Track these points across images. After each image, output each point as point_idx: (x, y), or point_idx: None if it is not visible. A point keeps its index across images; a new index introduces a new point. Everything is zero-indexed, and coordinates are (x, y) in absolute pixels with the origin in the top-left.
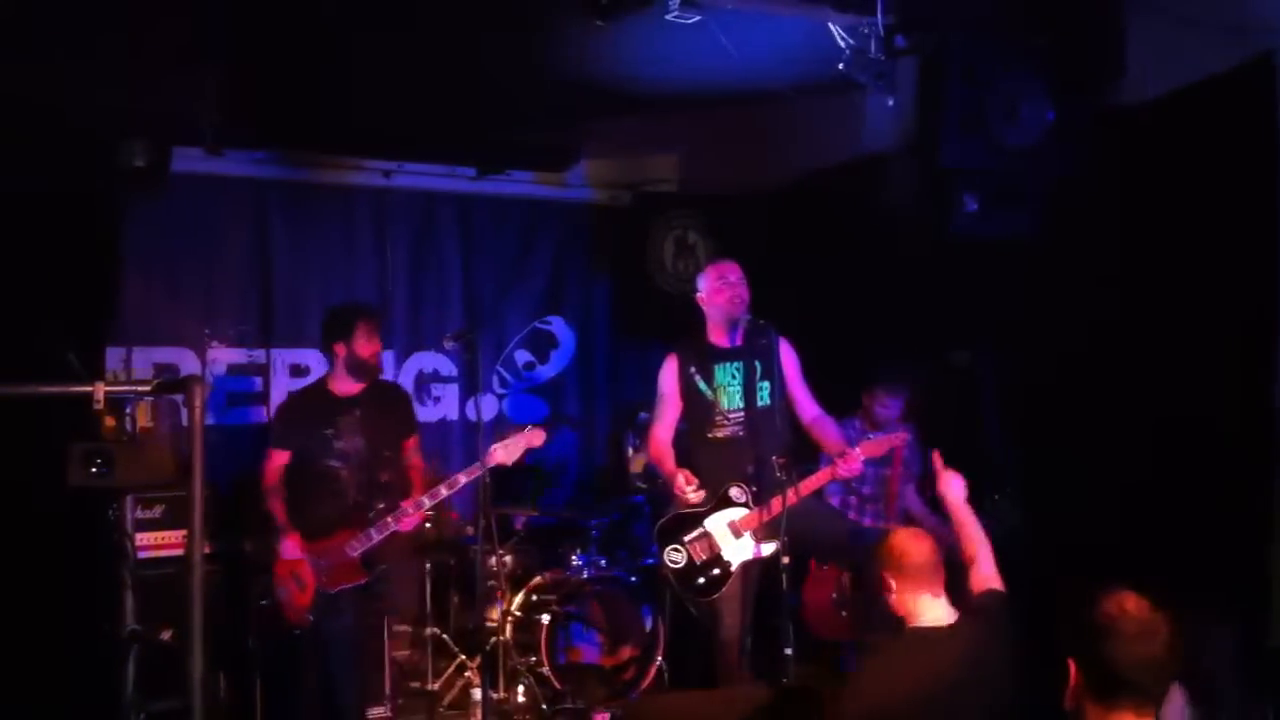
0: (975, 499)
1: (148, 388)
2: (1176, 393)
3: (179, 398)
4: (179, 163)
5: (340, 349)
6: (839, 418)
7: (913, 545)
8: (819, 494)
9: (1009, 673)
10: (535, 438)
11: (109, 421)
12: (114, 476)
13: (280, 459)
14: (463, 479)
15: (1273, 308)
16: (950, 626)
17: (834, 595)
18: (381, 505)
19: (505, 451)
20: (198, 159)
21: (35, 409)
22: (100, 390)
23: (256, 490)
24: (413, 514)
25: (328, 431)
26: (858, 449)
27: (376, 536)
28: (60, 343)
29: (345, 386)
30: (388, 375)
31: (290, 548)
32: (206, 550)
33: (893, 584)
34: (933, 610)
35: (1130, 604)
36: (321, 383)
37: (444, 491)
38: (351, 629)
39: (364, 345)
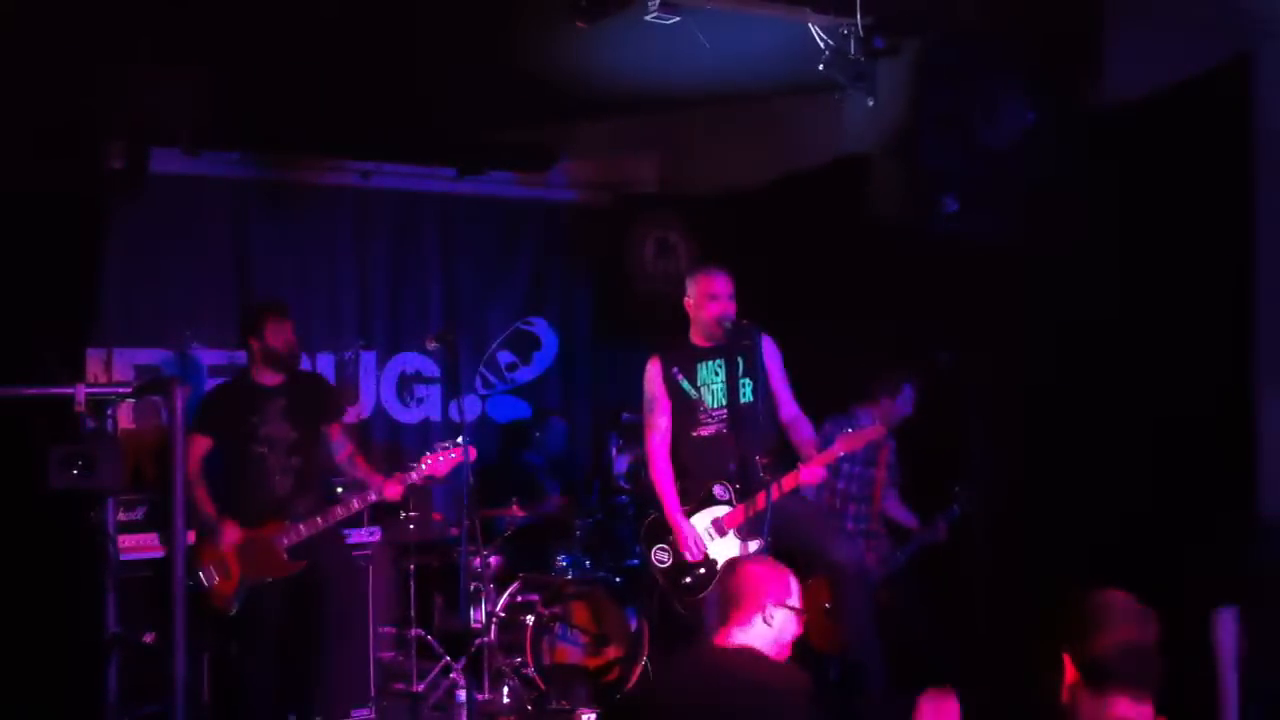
0: (942, 491)
1: (129, 389)
2: (1158, 392)
3: (159, 399)
4: (158, 164)
5: (254, 343)
6: (830, 414)
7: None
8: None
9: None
10: (464, 454)
11: (88, 423)
12: (95, 478)
13: (201, 446)
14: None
15: (1249, 306)
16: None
17: (826, 605)
18: (310, 497)
19: (435, 465)
20: (177, 160)
21: (15, 411)
22: (82, 392)
23: None
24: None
25: (253, 419)
26: (837, 444)
27: (305, 531)
28: (40, 344)
29: (267, 378)
30: (370, 377)
31: (230, 534)
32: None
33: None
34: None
35: (1119, 599)
36: (244, 374)
37: (344, 510)
38: (275, 624)
39: (274, 336)
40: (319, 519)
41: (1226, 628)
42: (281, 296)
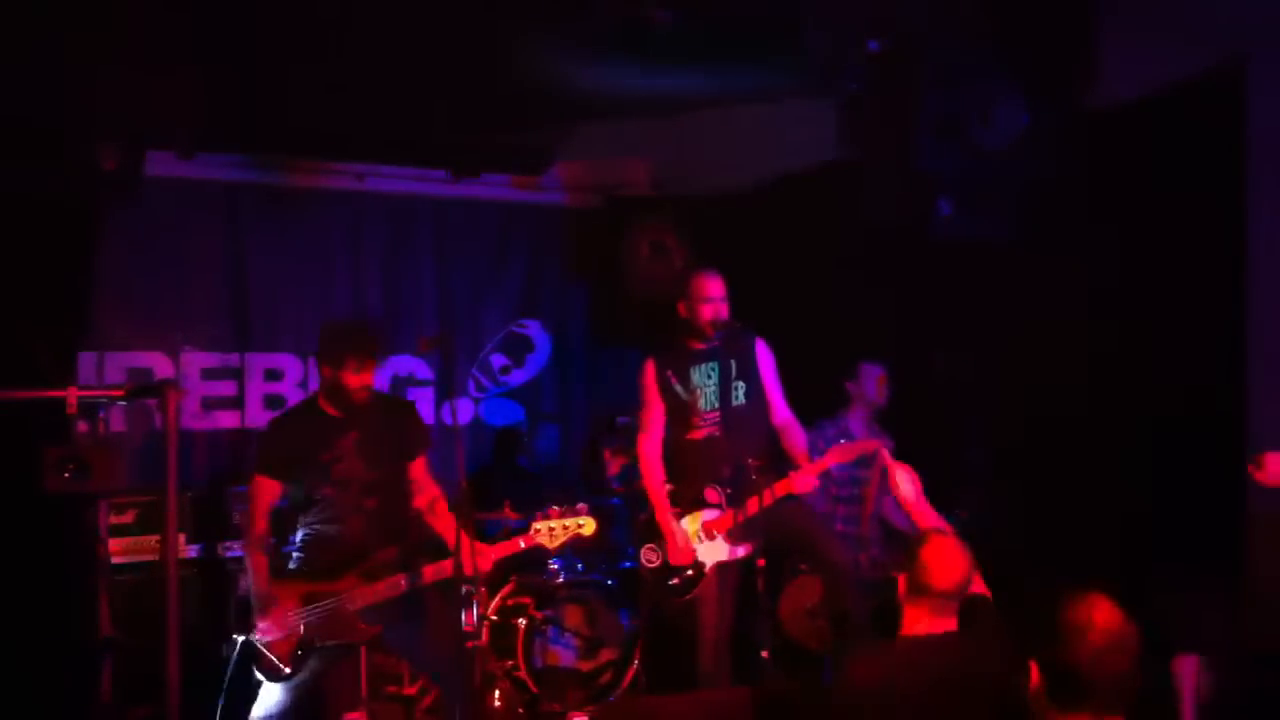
0: (944, 505)
1: (121, 392)
2: (1150, 392)
3: (152, 402)
4: (152, 166)
5: (327, 372)
6: (819, 418)
7: (943, 566)
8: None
9: (1009, 679)
10: (587, 527)
11: (81, 427)
12: (87, 481)
13: (271, 492)
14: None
15: (1242, 307)
16: (941, 635)
17: (809, 604)
18: (392, 548)
19: (549, 535)
20: (171, 163)
21: (7, 413)
22: (74, 395)
23: (222, 492)
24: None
25: (324, 457)
26: (829, 455)
27: (385, 593)
28: (32, 347)
29: (335, 408)
30: None
31: (272, 626)
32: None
33: (903, 586)
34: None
35: (1101, 614)
36: (312, 401)
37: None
38: (326, 685)
39: (351, 378)
40: (402, 580)
41: (1188, 673)
42: (374, 324)
